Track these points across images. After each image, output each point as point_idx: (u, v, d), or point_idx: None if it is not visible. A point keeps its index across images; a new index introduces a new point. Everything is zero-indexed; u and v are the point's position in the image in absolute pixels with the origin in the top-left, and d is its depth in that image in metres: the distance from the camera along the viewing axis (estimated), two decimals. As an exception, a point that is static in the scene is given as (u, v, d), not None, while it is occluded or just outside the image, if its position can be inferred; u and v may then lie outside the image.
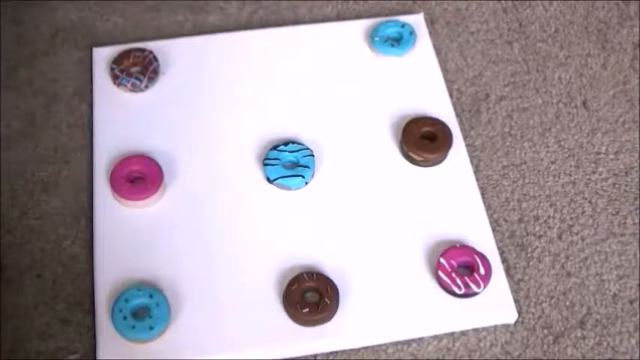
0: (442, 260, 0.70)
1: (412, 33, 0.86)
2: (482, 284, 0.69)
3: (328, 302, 0.68)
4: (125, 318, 0.67)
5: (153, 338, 0.67)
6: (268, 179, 0.76)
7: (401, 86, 0.84)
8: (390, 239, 0.74)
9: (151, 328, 0.67)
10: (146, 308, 0.68)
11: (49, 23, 0.90)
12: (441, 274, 0.70)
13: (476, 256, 0.71)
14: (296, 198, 0.76)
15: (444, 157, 0.78)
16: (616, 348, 0.70)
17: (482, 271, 0.70)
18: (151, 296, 0.68)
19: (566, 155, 0.81)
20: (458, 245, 0.72)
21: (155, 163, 0.76)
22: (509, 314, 0.71)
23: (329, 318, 0.69)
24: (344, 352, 0.69)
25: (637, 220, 0.77)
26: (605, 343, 0.70)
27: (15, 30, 0.89)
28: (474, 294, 0.69)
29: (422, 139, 0.78)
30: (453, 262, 0.70)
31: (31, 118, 0.82)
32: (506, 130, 0.83)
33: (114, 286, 0.70)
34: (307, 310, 0.68)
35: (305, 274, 0.70)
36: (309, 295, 0.70)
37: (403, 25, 0.87)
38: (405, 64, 0.86)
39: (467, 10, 0.93)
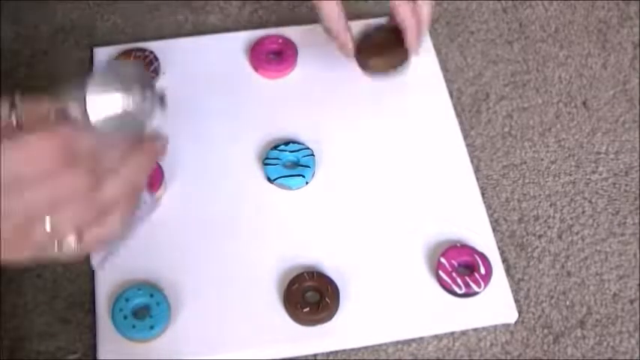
0: (442, 260, 0.70)
1: None
2: (482, 284, 0.69)
3: (329, 302, 0.68)
4: (125, 317, 0.67)
5: (153, 338, 0.67)
6: (269, 179, 0.76)
7: (401, 87, 0.84)
8: (391, 239, 0.74)
9: (152, 327, 0.67)
10: (146, 308, 0.68)
11: (49, 23, 0.90)
12: (441, 273, 0.70)
13: (476, 256, 0.71)
14: (296, 198, 0.76)
15: (403, 64, 0.76)
16: (616, 348, 0.70)
17: (482, 270, 0.70)
18: (151, 295, 0.68)
19: (566, 155, 0.81)
20: (458, 245, 0.72)
21: (155, 162, 0.76)
22: (509, 314, 0.71)
23: (329, 318, 0.69)
24: (344, 352, 0.69)
25: (637, 220, 0.77)
26: (605, 343, 0.70)
27: (15, 30, 0.89)
28: (475, 293, 0.69)
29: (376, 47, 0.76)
30: (453, 261, 0.70)
31: (31, 118, 0.82)
32: (506, 130, 0.83)
33: (114, 286, 0.70)
34: (308, 309, 0.68)
35: (306, 274, 0.70)
36: (310, 295, 0.70)
37: None
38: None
39: (467, 10, 0.93)
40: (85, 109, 0.48)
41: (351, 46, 0.76)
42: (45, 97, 0.50)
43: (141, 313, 0.68)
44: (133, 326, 0.67)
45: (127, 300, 0.68)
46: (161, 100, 0.50)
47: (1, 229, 0.47)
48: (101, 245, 0.53)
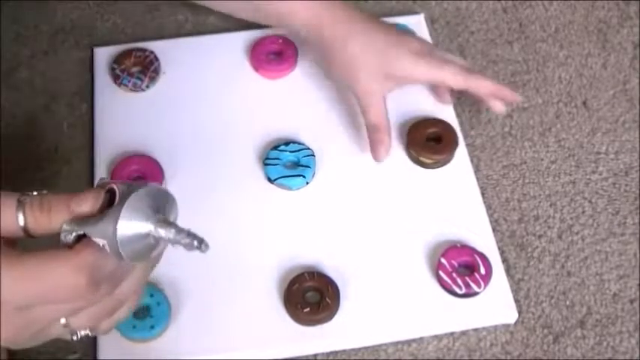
0: (443, 260, 0.70)
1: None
2: (482, 284, 0.69)
3: (329, 302, 0.68)
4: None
5: (153, 337, 0.67)
6: (269, 179, 0.76)
7: (401, 87, 0.84)
8: (391, 239, 0.74)
9: (152, 327, 0.67)
10: (147, 307, 0.68)
11: (49, 23, 0.90)
12: (441, 273, 0.70)
13: (476, 256, 0.71)
14: (297, 198, 0.76)
15: (452, 157, 0.78)
16: (616, 348, 0.70)
17: (482, 270, 0.70)
18: (151, 295, 0.68)
19: (566, 155, 0.81)
20: (459, 245, 0.72)
21: (156, 162, 0.76)
22: (509, 314, 0.71)
23: (329, 318, 0.69)
24: (344, 352, 0.69)
25: (637, 220, 0.77)
26: (605, 343, 0.70)
27: (15, 30, 0.89)
28: (475, 294, 0.69)
29: (428, 141, 0.78)
30: (453, 261, 0.70)
31: (31, 118, 0.82)
32: (506, 129, 0.83)
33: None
34: (308, 309, 0.68)
35: (306, 274, 0.70)
36: (310, 295, 0.70)
37: (406, 30, 0.86)
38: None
39: (467, 10, 0.93)
40: (116, 242, 0.47)
41: (389, 145, 0.75)
42: (52, 201, 0.49)
43: (141, 312, 0.68)
44: (134, 326, 0.67)
45: None
46: (199, 242, 0.49)
47: (18, 338, 0.49)
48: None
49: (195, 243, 0.49)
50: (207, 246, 0.49)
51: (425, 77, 0.74)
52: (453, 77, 0.74)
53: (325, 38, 0.76)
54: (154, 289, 0.69)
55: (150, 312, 0.67)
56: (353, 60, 0.75)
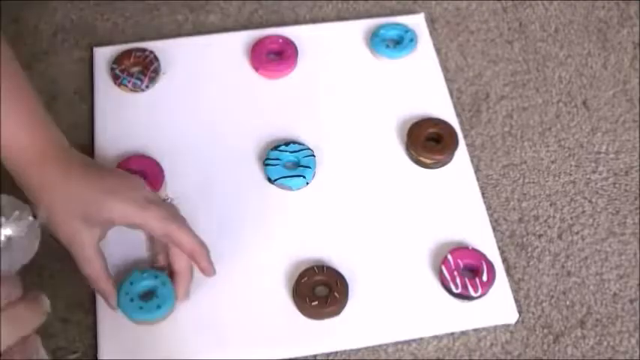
0: (449, 257, 0.70)
1: (413, 40, 0.86)
2: (480, 290, 0.69)
3: (337, 296, 0.68)
4: (132, 300, 0.67)
5: (161, 318, 0.67)
6: (269, 179, 0.76)
7: (401, 87, 0.84)
8: (390, 240, 0.74)
9: (159, 306, 0.67)
10: (153, 289, 0.68)
11: (49, 23, 0.90)
12: (443, 268, 0.70)
13: (483, 262, 0.70)
14: (297, 198, 0.76)
15: (452, 157, 0.78)
16: (616, 347, 0.70)
17: (485, 277, 0.70)
18: (156, 277, 0.68)
19: (567, 155, 0.81)
20: (470, 248, 0.72)
21: (156, 162, 0.76)
22: (509, 314, 0.71)
23: (337, 312, 0.69)
24: (344, 352, 0.69)
25: (637, 220, 0.77)
26: (605, 343, 0.70)
27: (15, 30, 0.89)
28: (470, 298, 0.69)
29: (428, 141, 0.78)
30: (459, 261, 0.70)
31: (31, 118, 0.82)
32: (507, 129, 0.83)
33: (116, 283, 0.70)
34: (316, 302, 0.68)
35: (315, 268, 0.70)
36: (319, 290, 0.70)
37: (407, 30, 0.87)
38: (406, 65, 0.86)
39: (467, 10, 0.93)
40: None
41: (114, 295, 0.67)
42: None
43: (147, 295, 0.68)
44: (140, 307, 0.67)
45: (131, 283, 0.68)
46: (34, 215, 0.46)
47: None
48: None
49: (30, 218, 0.47)
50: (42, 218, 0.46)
51: (125, 220, 0.64)
52: (156, 221, 0.64)
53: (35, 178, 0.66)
54: (157, 272, 0.69)
55: (156, 292, 0.68)
56: (53, 206, 0.64)
